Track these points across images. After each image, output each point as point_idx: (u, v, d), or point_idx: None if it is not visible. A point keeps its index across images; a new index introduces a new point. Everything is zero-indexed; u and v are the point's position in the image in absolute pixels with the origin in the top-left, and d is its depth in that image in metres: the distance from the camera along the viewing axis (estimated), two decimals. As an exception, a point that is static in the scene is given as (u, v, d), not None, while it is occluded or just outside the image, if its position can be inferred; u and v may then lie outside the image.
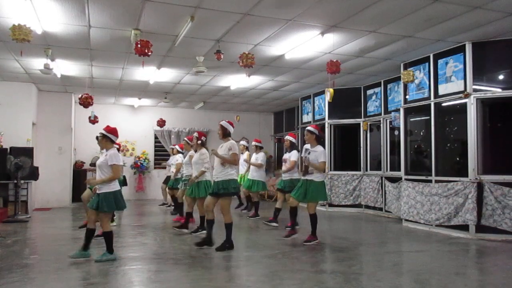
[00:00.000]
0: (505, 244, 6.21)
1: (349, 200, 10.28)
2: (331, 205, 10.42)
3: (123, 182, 10.17)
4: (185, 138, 8.51)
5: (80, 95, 8.98)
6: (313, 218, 6.28)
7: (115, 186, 5.17)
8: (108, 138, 5.34)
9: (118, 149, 10.23)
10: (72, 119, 11.79)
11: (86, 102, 8.83)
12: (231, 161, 5.74)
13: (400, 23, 6.12)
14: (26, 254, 5.65)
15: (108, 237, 5.17)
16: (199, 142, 7.13)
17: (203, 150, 7.05)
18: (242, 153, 9.59)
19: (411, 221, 7.82)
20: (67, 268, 4.83)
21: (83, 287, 4.13)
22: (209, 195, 5.98)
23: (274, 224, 7.78)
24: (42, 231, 7.86)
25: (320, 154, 6.18)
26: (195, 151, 7.23)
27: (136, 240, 6.68)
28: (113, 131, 5.42)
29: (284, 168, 7.76)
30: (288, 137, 7.85)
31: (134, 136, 13.87)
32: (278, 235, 6.85)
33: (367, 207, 9.95)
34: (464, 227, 6.79)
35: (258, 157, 9.07)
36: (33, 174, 9.40)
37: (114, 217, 8.48)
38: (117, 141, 10.88)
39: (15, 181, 8.93)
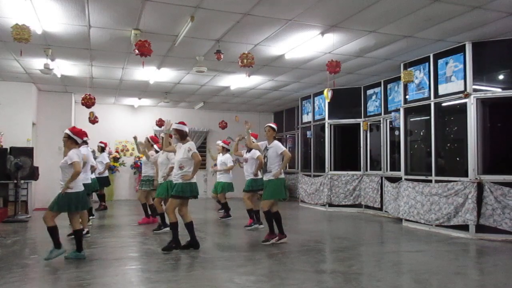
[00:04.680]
0: (505, 244, 6.21)
1: (349, 200, 10.28)
2: (331, 205, 10.44)
3: (105, 183, 10.18)
4: (148, 137, 8.26)
5: (82, 95, 8.97)
6: (267, 215, 6.20)
7: (78, 186, 5.22)
8: (72, 139, 5.30)
9: (104, 148, 10.29)
10: (72, 119, 11.79)
11: (89, 102, 8.81)
12: (197, 165, 5.56)
13: (400, 23, 6.12)
14: (26, 254, 5.65)
15: (52, 232, 5.14)
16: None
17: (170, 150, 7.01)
18: (220, 154, 9.25)
19: (411, 221, 7.82)
20: (67, 268, 4.83)
21: (82, 287, 4.13)
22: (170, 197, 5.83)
23: (259, 226, 7.64)
24: (42, 231, 7.82)
25: (277, 146, 6.22)
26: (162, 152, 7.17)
27: (136, 240, 6.68)
28: (78, 133, 5.39)
29: (245, 167, 7.72)
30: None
31: (134, 136, 13.85)
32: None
33: (367, 207, 9.95)
34: (464, 227, 6.79)
35: (223, 159, 8.89)
36: (33, 174, 9.39)
37: (91, 217, 8.55)
38: (105, 141, 10.87)
39: (15, 181, 8.93)
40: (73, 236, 6.46)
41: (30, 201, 9.94)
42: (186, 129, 5.86)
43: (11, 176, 8.94)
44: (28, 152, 9.34)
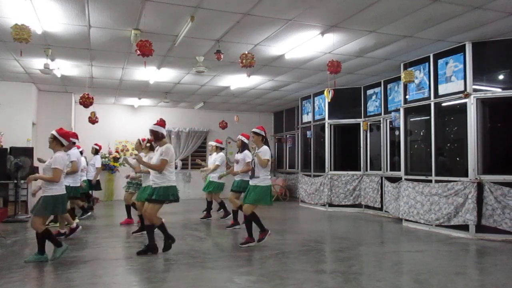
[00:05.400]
0: (505, 244, 6.21)
1: (349, 200, 10.28)
2: (331, 205, 10.44)
3: (96, 186, 10.13)
4: (139, 139, 7.86)
5: (81, 95, 8.96)
6: (248, 219, 6.07)
7: (58, 189, 5.12)
8: (58, 140, 5.20)
9: (98, 150, 10.24)
10: (72, 119, 11.80)
11: (87, 102, 8.80)
12: (155, 166, 5.35)
13: (400, 23, 6.12)
14: (26, 254, 5.64)
15: (40, 238, 5.05)
16: (148, 145, 6.98)
17: (152, 154, 6.91)
18: (211, 154, 9.23)
19: (411, 221, 7.82)
20: (67, 268, 4.83)
21: (83, 287, 4.13)
22: (146, 201, 5.59)
23: (237, 226, 7.63)
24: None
25: (263, 152, 6.03)
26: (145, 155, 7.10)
27: (136, 240, 6.67)
28: (65, 134, 5.28)
29: (235, 169, 7.43)
30: (240, 137, 7.45)
31: (134, 136, 13.74)
32: (277, 236, 6.85)
33: (367, 207, 9.95)
34: (464, 227, 6.79)
35: (217, 158, 8.77)
36: (33, 174, 9.38)
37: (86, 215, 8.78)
38: (100, 144, 10.83)
39: (15, 181, 8.93)
40: (63, 236, 6.49)
41: (30, 201, 9.92)
42: (161, 130, 5.60)
43: (11, 176, 8.94)
44: (28, 152, 9.35)
